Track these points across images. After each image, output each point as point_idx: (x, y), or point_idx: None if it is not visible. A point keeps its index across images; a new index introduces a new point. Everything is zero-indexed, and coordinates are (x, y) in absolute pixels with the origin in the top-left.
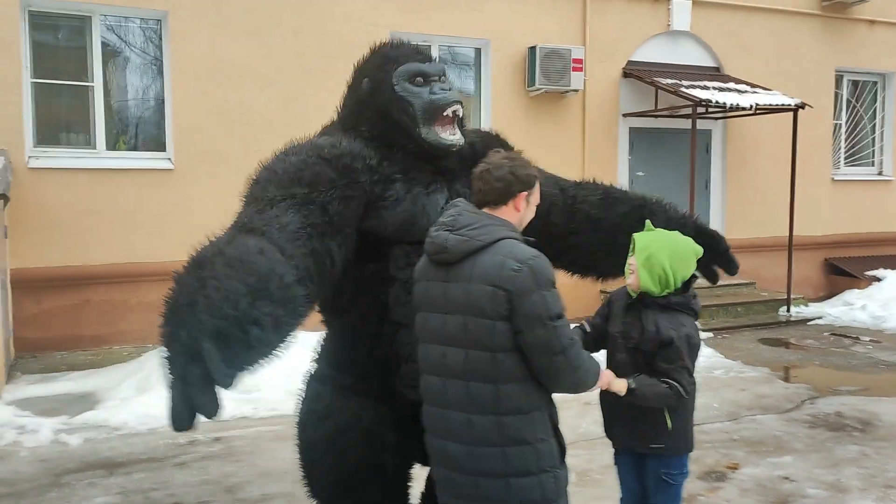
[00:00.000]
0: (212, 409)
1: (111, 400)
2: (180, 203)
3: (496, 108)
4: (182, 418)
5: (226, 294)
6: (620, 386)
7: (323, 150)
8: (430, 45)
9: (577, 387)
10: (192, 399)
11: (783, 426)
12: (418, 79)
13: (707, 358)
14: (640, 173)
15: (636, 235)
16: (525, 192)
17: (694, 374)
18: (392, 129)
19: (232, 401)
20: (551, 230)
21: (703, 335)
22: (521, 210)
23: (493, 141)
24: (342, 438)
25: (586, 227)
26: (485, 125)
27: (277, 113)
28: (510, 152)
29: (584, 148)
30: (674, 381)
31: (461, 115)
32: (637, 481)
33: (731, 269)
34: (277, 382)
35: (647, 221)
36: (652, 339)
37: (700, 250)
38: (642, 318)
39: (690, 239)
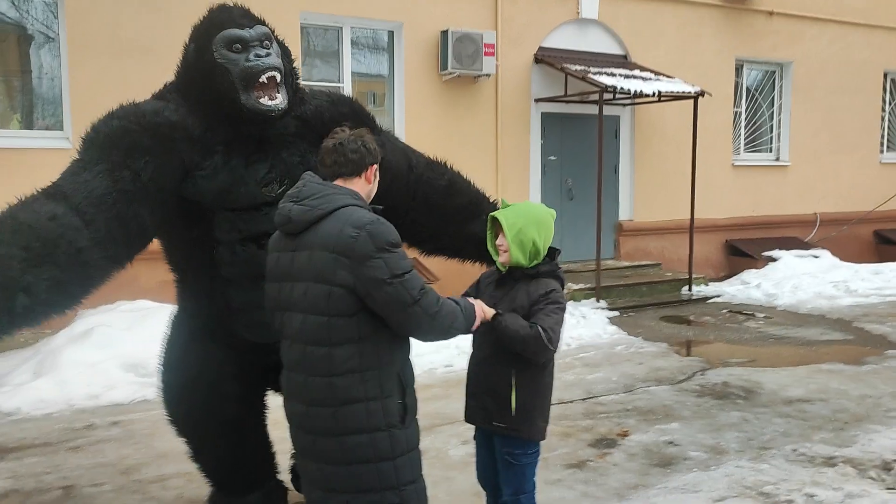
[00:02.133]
0: None
1: (4, 386)
2: None
3: (409, 92)
4: None
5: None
6: (489, 311)
7: (144, 118)
8: (341, 27)
9: (447, 330)
10: None
11: (674, 396)
12: (237, 45)
13: (610, 335)
14: (552, 157)
15: (497, 214)
16: (375, 165)
17: (557, 348)
18: (214, 94)
19: (132, 385)
20: (391, 201)
21: (608, 314)
22: (371, 182)
23: (344, 107)
24: (189, 389)
25: (423, 209)
26: (399, 109)
27: None
28: (357, 129)
29: (497, 132)
30: (541, 326)
31: (279, 80)
32: (489, 456)
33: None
34: None
35: (503, 199)
36: (522, 304)
37: (554, 213)
38: (512, 290)
39: (544, 205)
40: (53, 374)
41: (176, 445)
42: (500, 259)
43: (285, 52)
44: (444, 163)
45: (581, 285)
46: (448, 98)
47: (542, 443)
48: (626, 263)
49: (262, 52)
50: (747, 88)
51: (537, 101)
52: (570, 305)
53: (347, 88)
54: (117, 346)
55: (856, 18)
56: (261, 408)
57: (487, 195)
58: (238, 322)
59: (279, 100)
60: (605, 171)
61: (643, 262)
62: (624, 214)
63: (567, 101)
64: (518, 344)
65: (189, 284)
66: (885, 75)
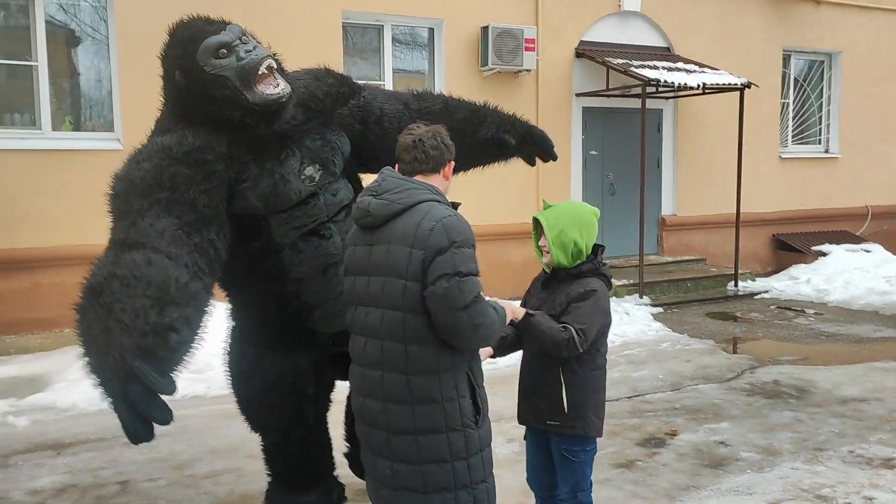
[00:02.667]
0: (164, 416)
1: (60, 382)
2: None
3: (450, 88)
4: (140, 433)
5: (134, 312)
6: (519, 311)
7: (171, 151)
8: (383, 25)
9: (483, 341)
10: (143, 414)
11: (723, 394)
12: (222, 51)
13: (655, 332)
14: (594, 152)
15: (540, 215)
16: (452, 162)
17: (606, 349)
18: (220, 107)
19: (184, 381)
20: None
21: (652, 310)
22: (449, 179)
23: (329, 78)
24: (270, 395)
25: None
26: None
27: None
28: (432, 126)
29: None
30: (571, 326)
31: (275, 66)
32: (540, 457)
33: (551, 156)
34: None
35: (544, 199)
36: (561, 302)
37: (597, 211)
38: (557, 291)
39: (586, 204)
40: None
41: (227, 441)
42: (544, 260)
43: (259, 43)
44: (429, 91)
45: (624, 281)
46: (488, 94)
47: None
48: (670, 259)
49: (248, 46)
50: (795, 79)
51: (578, 95)
52: (613, 302)
53: (388, 85)
54: None
55: None
56: (328, 404)
57: (483, 103)
58: (315, 318)
59: (283, 85)
60: (648, 166)
61: (687, 258)
62: (667, 209)
63: (608, 96)
64: (548, 345)
65: (254, 300)
66: None
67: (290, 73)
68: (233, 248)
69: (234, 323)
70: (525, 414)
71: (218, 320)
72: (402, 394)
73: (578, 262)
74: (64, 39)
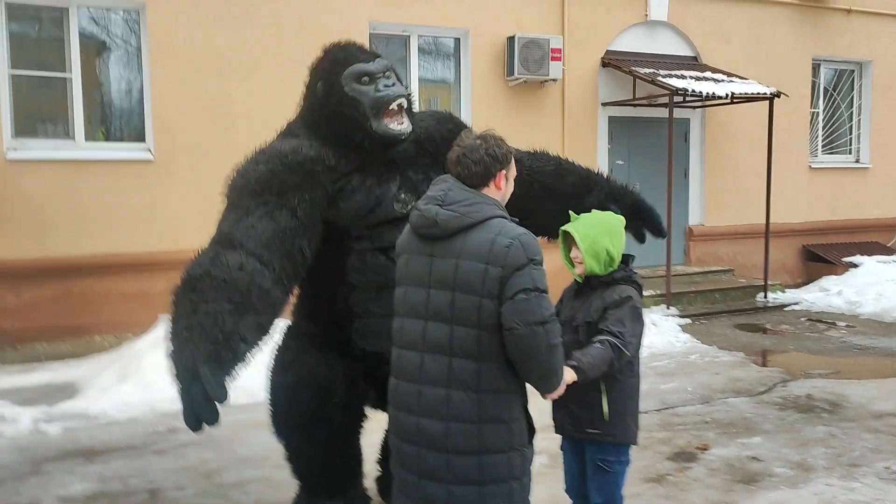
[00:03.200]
0: (212, 419)
1: (91, 389)
2: (160, 194)
3: (475, 98)
4: (192, 423)
5: (214, 318)
6: (570, 375)
7: (287, 158)
8: (409, 35)
9: (552, 373)
10: (196, 412)
11: (754, 408)
12: (364, 78)
13: (683, 343)
14: (620, 162)
15: (569, 228)
16: (503, 171)
17: (639, 356)
18: (346, 125)
19: None
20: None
21: (680, 321)
22: (503, 188)
23: (449, 123)
24: (298, 389)
25: (542, 195)
26: (465, 115)
27: (257, 104)
28: (483, 132)
29: (564, 137)
30: (609, 334)
31: (406, 105)
32: (578, 466)
33: (660, 232)
34: (257, 370)
35: (571, 212)
36: (598, 309)
37: (623, 220)
38: (590, 298)
39: (610, 213)
40: (137, 378)
41: (255, 450)
42: (577, 271)
43: (400, 82)
44: (546, 151)
45: (651, 292)
46: (514, 103)
47: None
48: (697, 269)
49: (388, 82)
50: (825, 88)
51: (604, 104)
52: None
53: (415, 94)
54: None
55: None
56: (360, 417)
57: (594, 170)
58: (354, 328)
59: (406, 124)
60: (675, 175)
61: (714, 268)
62: (694, 219)
63: (635, 105)
64: (604, 368)
65: (315, 289)
66: None
67: (416, 113)
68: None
69: (293, 311)
70: (563, 423)
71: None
72: (471, 413)
73: (610, 270)
74: (97, 51)
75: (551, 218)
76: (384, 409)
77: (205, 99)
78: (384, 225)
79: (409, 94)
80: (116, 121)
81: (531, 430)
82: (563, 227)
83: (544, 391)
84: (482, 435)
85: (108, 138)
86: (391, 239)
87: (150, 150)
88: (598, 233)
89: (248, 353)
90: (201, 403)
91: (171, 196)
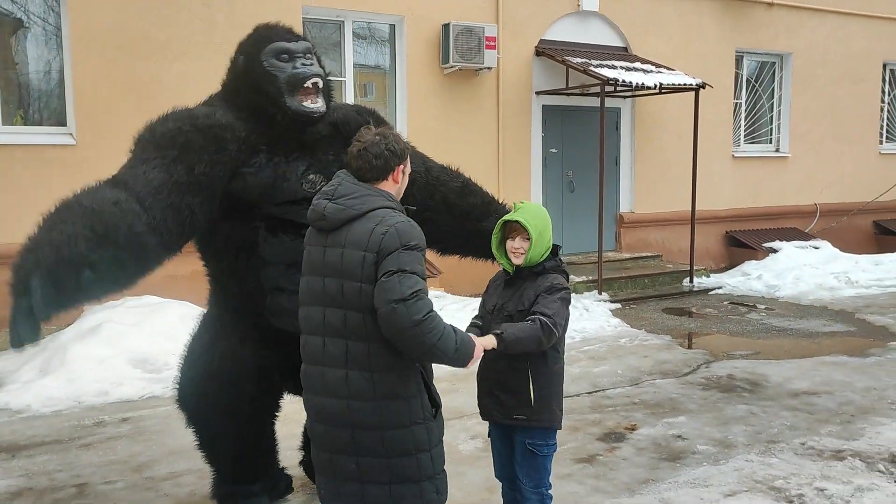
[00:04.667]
0: (30, 338)
1: (12, 384)
2: (83, 179)
3: (411, 86)
4: (13, 341)
5: (67, 237)
6: (489, 340)
7: (198, 120)
8: (343, 21)
9: (430, 349)
10: (17, 327)
11: (680, 389)
12: (283, 55)
13: (614, 327)
14: (553, 150)
15: (519, 219)
16: (401, 165)
17: (564, 343)
18: (261, 99)
19: (140, 381)
20: (410, 202)
21: (611, 306)
22: (399, 182)
23: (369, 116)
24: (205, 382)
25: (441, 208)
26: (400, 102)
27: (187, 88)
28: (381, 128)
29: (499, 125)
30: (540, 315)
31: (321, 86)
32: (507, 451)
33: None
34: None
35: (515, 202)
36: (530, 297)
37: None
38: (521, 288)
39: (540, 204)
40: (62, 371)
41: (187, 442)
42: (516, 261)
43: (323, 65)
44: (457, 169)
45: (583, 278)
46: (449, 91)
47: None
48: (628, 255)
49: (308, 62)
50: (747, 79)
51: (538, 93)
52: (573, 298)
53: (349, 81)
54: (125, 342)
55: (855, 9)
56: (272, 408)
57: (498, 199)
58: (266, 306)
59: (320, 104)
60: (606, 164)
61: (644, 254)
62: (625, 206)
63: (568, 94)
64: (531, 344)
65: (224, 270)
66: (885, 66)
67: (339, 103)
68: (218, 222)
69: (204, 311)
70: (489, 410)
71: (176, 320)
72: (367, 391)
73: (541, 259)
74: (13, 30)
75: (443, 232)
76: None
77: (131, 82)
78: (291, 204)
79: (326, 76)
80: (35, 103)
81: (434, 404)
82: (508, 217)
83: (453, 365)
84: (380, 411)
85: (26, 122)
86: (299, 218)
87: (71, 135)
88: (544, 224)
89: (93, 287)
90: (23, 318)
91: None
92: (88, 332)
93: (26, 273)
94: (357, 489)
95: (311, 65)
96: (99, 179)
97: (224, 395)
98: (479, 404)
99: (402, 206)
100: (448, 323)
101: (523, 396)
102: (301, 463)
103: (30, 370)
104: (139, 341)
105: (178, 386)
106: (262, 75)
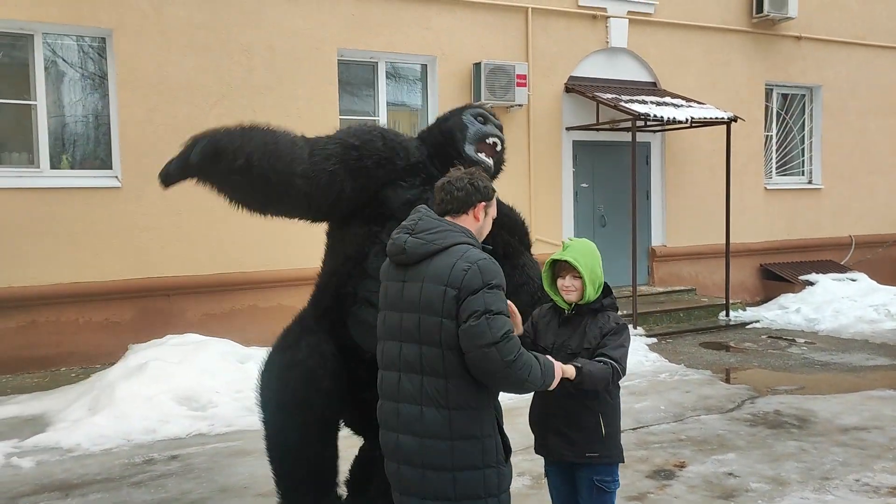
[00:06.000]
0: (173, 175)
1: (62, 422)
2: (128, 221)
3: None
4: (161, 174)
5: (242, 134)
6: (570, 369)
7: (387, 132)
8: (376, 62)
9: (521, 384)
10: (167, 166)
11: (726, 425)
12: (480, 118)
13: (652, 362)
14: (584, 185)
15: (568, 258)
16: (483, 203)
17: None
18: (447, 141)
19: (187, 418)
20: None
21: (647, 340)
22: (480, 220)
23: (516, 218)
24: (289, 371)
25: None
26: None
27: None
28: (470, 168)
29: (530, 161)
30: (609, 358)
31: (499, 150)
32: (568, 489)
33: None
34: (231, 398)
35: (564, 240)
36: (595, 336)
37: None
38: (580, 326)
39: (587, 239)
40: (110, 409)
41: (236, 480)
42: (569, 298)
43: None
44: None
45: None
46: None
47: None
48: (661, 289)
49: (495, 130)
50: (777, 112)
51: (569, 129)
52: None
53: (383, 120)
54: (170, 380)
55: (884, 41)
56: (338, 416)
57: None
58: (352, 312)
59: (491, 162)
60: (638, 197)
61: (677, 288)
62: (657, 240)
63: (598, 129)
64: (599, 384)
65: (332, 267)
66: None
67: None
68: (353, 218)
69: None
70: (558, 449)
71: (218, 357)
72: (443, 429)
73: (597, 296)
74: (61, 78)
75: None
76: (357, 432)
77: (173, 125)
78: None
79: (504, 147)
80: (82, 148)
81: (507, 449)
82: (556, 256)
83: (538, 390)
84: (454, 451)
85: (72, 166)
86: None
87: (117, 178)
88: (593, 261)
89: (237, 172)
90: (178, 159)
91: (139, 223)
92: (135, 370)
93: (201, 136)
94: None
95: (497, 133)
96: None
97: (302, 385)
98: (540, 444)
99: (480, 244)
100: (529, 351)
101: (594, 433)
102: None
103: (78, 409)
104: (184, 379)
105: (261, 374)
106: (457, 124)
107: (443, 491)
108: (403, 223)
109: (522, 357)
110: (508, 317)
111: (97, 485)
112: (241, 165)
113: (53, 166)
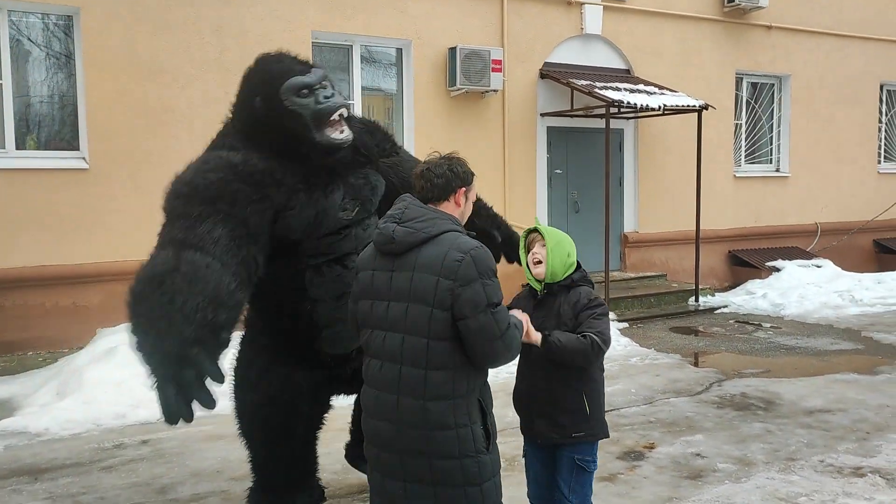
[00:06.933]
0: (211, 402)
1: (30, 406)
2: (96, 204)
3: (418, 108)
4: (183, 414)
5: (194, 307)
6: (536, 336)
7: (237, 168)
8: (351, 45)
9: (513, 360)
10: (192, 396)
11: (694, 407)
12: (303, 90)
13: (623, 346)
14: (558, 171)
15: (540, 228)
16: (463, 188)
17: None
18: (289, 139)
19: (157, 403)
20: None
21: (619, 325)
22: (461, 205)
23: (375, 130)
24: (266, 408)
25: None
26: (408, 124)
27: (198, 113)
28: (448, 154)
29: (505, 147)
30: (589, 331)
31: (346, 114)
32: (546, 473)
33: (511, 259)
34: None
35: (535, 217)
36: (568, 316)
37: None
38: (554, 306)
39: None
40: (79, 394)
41: (209, 464)
42: (536, 270)
43: (337, 91)
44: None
45: None
46: (456, 113)
47: None
48: (632, 275)
49: (327, 92)
50: (747, 101)
51: (543, 115)
52: None
53: (357, 104)
54: (140, 365)
55: (852, 31)
56: (321, 422)
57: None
58: (322, 338)
59: (346, 132)
60: (611, 184)
61: (649, 273)
62: (629, 226)
63: (572, 116)
64: (577, 357)
65: (273, 309)
66: (882, 87)
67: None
68: (265, 264)
69: (248, 330)
70: (546, 433)
71: None
72: (418, 419)
73: (568, 273)
74: (27, 57)
75: None
76: (353, 392)
77: (143, 107)
78: (333, 235)
79: (349, 104)
80: (48, 128)
81: (488, 436)
82: (527, 229)
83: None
84: (429, 440)
85: (38, 146)
86: (342, 248)
87: (84, 159)
88: (561, 237)
89: (226, 347)
90: (196, 387)
91: (108, 206)
92: (103, 355)
93: (174, 348)
94: None
95: (332, 95)
96: (162, 245)
97: (282, 418)
98: (527, 427)
99: (465, 230)
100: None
101: (579, 413)
102: (346, 446)
103: (46, 393)
104: None
105: (237, 410)
106: (286, 115)
107: (421, 476)
108: (389, 212)
109: (516, 339)
110: (503, 303)
111: (67, 469)
112: (225, 339)
113: (19, 147)
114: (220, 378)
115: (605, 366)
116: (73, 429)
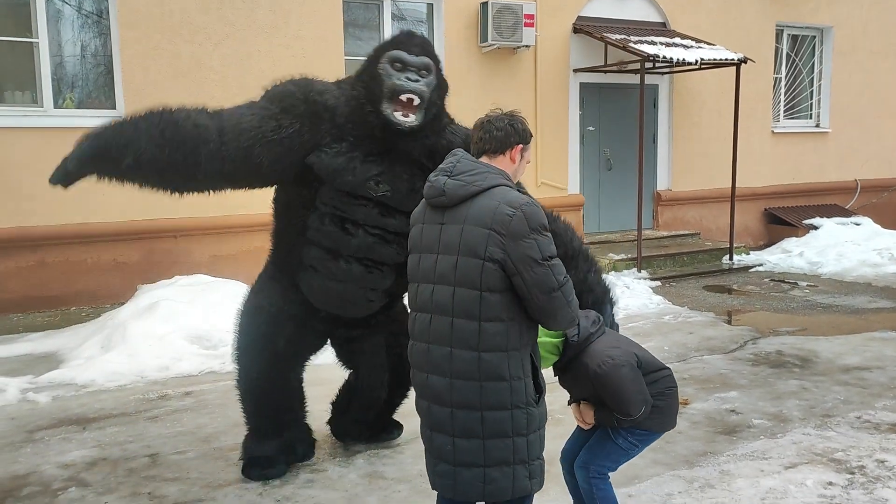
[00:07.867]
0: (55, 179)
1: (76, 359)
2: None
3: (449, 65)
4: (50, 177)
5: (135, 128)
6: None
7: (311, 93)
8: (381, 2)
9: (573, 321)
10: (55, 170)
11: (728, 364)
12: (397, 63)
13: (656, 305)
14: (591, 128)
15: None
16: (521, 145)
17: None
18: (367, 96)
19: (199, 356)
20: None
21: (651, 283)
22: (517, 162)
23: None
24: (256, 312)
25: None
26: None
27: (231, 70)
28: (510, 111)
29: (537, 103)
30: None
31: (419, 103)
32: (585, 435)
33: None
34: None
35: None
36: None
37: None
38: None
39: None
40: (123, 347)
41: None
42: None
43: (441, 87)
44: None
45: (622, 255)
46: (488, 70)
47: None
48: (665, 233)
49: (414, 76)
50: (787, 54)
51: (576, 71)
52: (612, 275)
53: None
54: (181, 319)
55: None
56: (302, 357)
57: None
58: (303, 279)
59: (412, 119)
60: (644, 141)
61: (682, 232)
62: (662, 184)
63: (605, 71)
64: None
65: (280, 228)
66: None
67: (458, 126)
68: (289, 184)
69: (267, 263)
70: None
71: (227, 298)
72: (472, 370)
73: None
74: (62, 17)
75: None
76: (347, 366)
77: (177, 65)
78: (350, 197)
79: (427, 95)
80: (84, 87)
81: (539, 390)
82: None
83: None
84: (482, 391)
85: (75, 105)
86: (351, 213)
87: (121, 117)
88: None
89: (130, 170)
90: (62, 163)
91: None
92: (145, 310)
93: (84, 137)
94: (450, 470)
95: (417, 81)
96: (205, 105)
97: (267, 327)
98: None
99: (516, 186)
100: None
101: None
102: (329, 422)
103: (91, 347)
104: (194, 319)
105: (236, 318)
106: (374, 76)
107: (471, 429)
108: (441, 166)
109: (574, 296)
110: (556, 255)
111: (114, 419)
112: (128, 165)
113: (56, 106)
114: (70, 165)
115: (638, 324)
116: (118, 380)
